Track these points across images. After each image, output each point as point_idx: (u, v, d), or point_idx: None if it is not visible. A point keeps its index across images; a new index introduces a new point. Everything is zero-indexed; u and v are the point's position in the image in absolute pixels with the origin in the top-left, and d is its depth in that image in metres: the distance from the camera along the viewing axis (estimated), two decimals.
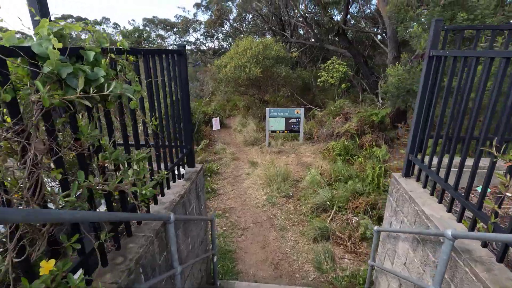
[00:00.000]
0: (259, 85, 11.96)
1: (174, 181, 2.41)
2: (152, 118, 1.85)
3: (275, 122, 8.61)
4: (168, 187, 2.27)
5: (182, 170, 2.44)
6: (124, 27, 21.50)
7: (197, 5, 27.42)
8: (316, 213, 4.69)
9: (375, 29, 13.98)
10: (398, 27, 5.58)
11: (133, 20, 24.05)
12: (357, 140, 7.31)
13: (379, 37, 14.92)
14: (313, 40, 15.41)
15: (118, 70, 1.41)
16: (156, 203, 2.02)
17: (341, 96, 11.23)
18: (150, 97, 1.92)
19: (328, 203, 4.63)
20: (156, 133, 1.95)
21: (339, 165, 5.65)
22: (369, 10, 15.69)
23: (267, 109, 8.51)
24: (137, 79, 1.57)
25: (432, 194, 2.09)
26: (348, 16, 13.10)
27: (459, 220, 1.76)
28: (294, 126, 8.63)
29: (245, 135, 10.19)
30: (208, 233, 3.22)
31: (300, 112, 8.47)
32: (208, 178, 6.59)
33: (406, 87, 5.19)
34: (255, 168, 7.09)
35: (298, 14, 14.87)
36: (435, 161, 2.01)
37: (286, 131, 8.73)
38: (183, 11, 30.95)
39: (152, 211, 1.91)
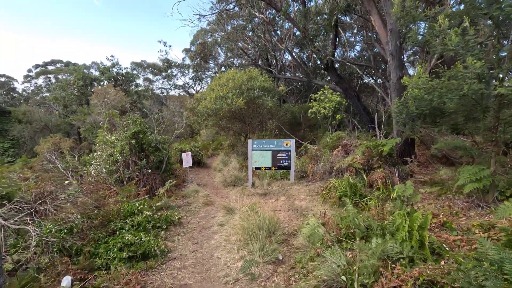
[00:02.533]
0: (243, 119, 10.61)
1: None
2: None
3: (260, 156, 6.95)
4: None
5: None
6: (102, 63, 20.98)
7: (186, 50, 28.13)
8: None
9: (364, 68, 13.60)
10: (410, 33, 4.45)
11: (112, 56, 23.90)
12: (364, 176, 5.66)
13: (370, 80, 14.63)
14: (301, 75, 14.88)
15: None
16: None
17: (332, 132, 9.94)
18: None
19: (343, 278, 2.72)
20: None
21: (350, 211, 3.86)
22: (353, 54, 15.73)
23: (250, 140, 6.92)
24: None
25: None
26: (336, 51, 12.68)
27: None
28: (283, 161, 6.97)
29: (224, 174, 8.38)
30: None
31: (290, 144, 6.92)
32: (162, 232, 4.56)
33: (434, 99, 3.78)
34: (231, 216, 5.16)
35: (286, 55, 14.55)
36: None
37: (273, 168, 7.02)
38: (164, 45, 32.33)
39: None
